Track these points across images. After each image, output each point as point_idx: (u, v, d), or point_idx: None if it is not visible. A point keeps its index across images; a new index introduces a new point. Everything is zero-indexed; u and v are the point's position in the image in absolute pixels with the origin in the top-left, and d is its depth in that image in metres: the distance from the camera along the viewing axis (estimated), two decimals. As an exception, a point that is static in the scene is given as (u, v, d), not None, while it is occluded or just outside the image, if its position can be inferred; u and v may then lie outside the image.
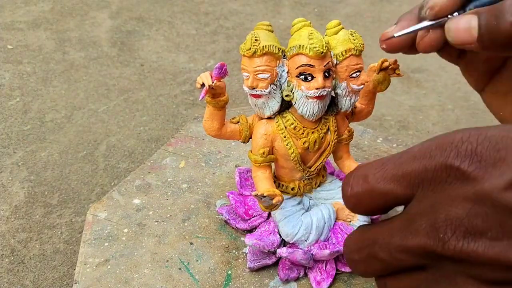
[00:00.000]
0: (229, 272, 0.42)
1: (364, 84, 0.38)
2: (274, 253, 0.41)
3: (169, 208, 0.49)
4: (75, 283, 0.41)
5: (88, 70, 1.01)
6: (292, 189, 0.43)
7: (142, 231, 0.46)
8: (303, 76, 0.36)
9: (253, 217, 0.45)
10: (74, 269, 0.57)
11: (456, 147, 0.23)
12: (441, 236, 0.22)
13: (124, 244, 0.45)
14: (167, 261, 0.43)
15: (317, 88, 0.35)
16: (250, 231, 0.45)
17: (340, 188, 0.44)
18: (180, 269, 0.42)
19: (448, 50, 0.43)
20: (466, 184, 0.22)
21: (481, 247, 0.21)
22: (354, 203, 0.26)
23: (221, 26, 1.23)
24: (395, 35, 0.35)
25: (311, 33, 0.35)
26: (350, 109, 0.40)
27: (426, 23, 0.34)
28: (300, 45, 0.35)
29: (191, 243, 0.45)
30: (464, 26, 0.32)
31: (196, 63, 1.06)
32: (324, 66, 0.35)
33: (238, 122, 0.40)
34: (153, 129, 0.84)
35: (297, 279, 0.42)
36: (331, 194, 0.43)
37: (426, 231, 0.22)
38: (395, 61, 0.40)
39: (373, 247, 0.25)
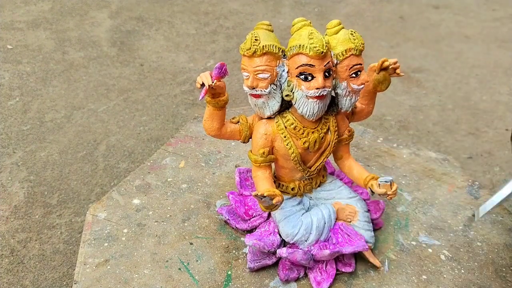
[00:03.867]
0: (229, 273, 0.42)
1: (364, 84, 0.38)
2: (274, 253, 0.41)
3: (169, 208, 0.49)
4: (75, 283, 0.41)
5: (87, 70, 1.01)
6: (292, 189, 0.43)
7: (142, 231, 0.46)
8: (303, 76, 0.36)
9: (253, 217, 0.45)
10: (74, 269, 0.56)
11: None
12: None
13: (124, 244, 0.44)
14: (167, 261, 0.43)
15: (317, 88, 0.35)
16: (250, 231, 0.45)
17: (340, 188, 0.44)
18: (180, 269, 0.42)
19: None
20: None
21: None
22: None
23: (221, 25, 1.23)
24: None
25: (311, 33, 0.35)
26: (350, 109, 0.40)
27: None
28: (300, 45, 0.35)
29: (191, 243, 0.45)
30: None
31: (196, 63, 1.06)
32: (325, 66, 0.35)
33: (238, 122, 0.41)
34: (153, 129, 0.84)
35: (297, 280, 0.42)
36: (331, 194, 0.43)
37: None
38: (396, 61, 0.41)
39: None
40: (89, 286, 0.40)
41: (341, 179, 0.47)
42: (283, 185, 0.43)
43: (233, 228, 0.46)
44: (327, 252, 0.40)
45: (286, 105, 0.39)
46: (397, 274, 0.44)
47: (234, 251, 0.44)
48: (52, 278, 0.56)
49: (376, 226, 0.47)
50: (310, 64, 0.35)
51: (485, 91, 0.99)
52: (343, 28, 0.38)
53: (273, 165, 0.42)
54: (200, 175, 0.53)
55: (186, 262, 0.43)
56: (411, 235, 0.48)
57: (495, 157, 0.83)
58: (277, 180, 0.43)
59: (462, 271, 0.45)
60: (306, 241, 0.40)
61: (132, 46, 1.11)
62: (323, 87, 0.36)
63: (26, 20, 1.18)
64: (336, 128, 0.41)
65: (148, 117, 0.87)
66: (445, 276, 0.44)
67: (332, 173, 0.48)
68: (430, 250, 0.47)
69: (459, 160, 0.67)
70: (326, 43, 0.35)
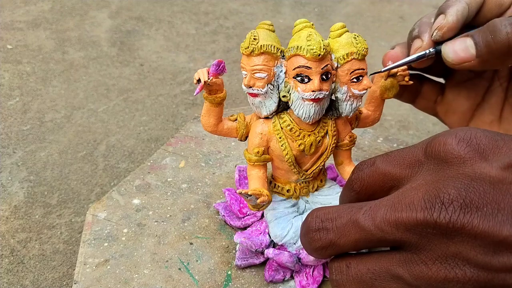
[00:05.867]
0: (229, 272, 0.42)
1: (366, 89, 0.37)
2: (263, 253, 0.41)
3: (169, 208, 0.49)
4: (75, 283, 0.41)
5: (87, 70, 1.01)
6: (288, 191, 0.42)
7: (142, 231, 0.46)
8: (299, 78, 0.35)
9: (247, 216, 0.45)
10: (74, 269, 0.56)
11: (455, 136, 0.24)
12: (438, 206, 0.22)
13: (124, 244, 0.45)
14: (167, 261, 0.43)
15: (313, 91, 0.35)
16: (244, 229, 0.45)
17: (338, 194, 0.44)
18: (180, 269, 0.42)
19: (425, 96, 0.47)
20: (463, 165, 0.24)
21: (476, 220, 0.21)
22: (360, 184, 0.29)
23: (221, 25, 1.23)
24: (388, 67, 0.40)
25: (309, 35, 0.35)
26: (351, 114, 0.39)
27: (413, 57, 0.40)
28: (298, 46, 0.35)
29: (191, 243, 0.45)
30: (460, 46, 0.37)
31: (196, 63, 1.06)
32: (322, 68, 0.35)
33: (236, 120, 0.40)
34: (153, 129, 0.84)
35: (283, 282, 0.41)
36: (328, 200, 0.43)
37: (421, 203, 0.23)
38: (405, 69, 0.39)
39: (357, 213, 0.26)
40: (89, 286, 0.40)
41: (341, 186, 0.47)
42: (278, 186, 0.43)
43: (228, 225, 0.46)
44: (312, 257, 0.39)
45: (284, 106, 0.39)
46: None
47: (234, 251, 0.44)
48: (52, 278, 0.56)
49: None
50: (307, 66, 0.35)
51: (485, 91, 0.99)
52: (347, 31, 0.37)
53: (270, 165, 0.42)
54: (200, 175, 0.53)
55: (186, 262, 0.43)
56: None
57: (494, 157, 0.83)
58: (273, 180, 0.43)
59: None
60: (294, 244, 0.40)
61: (132, 46, 1.11)
62: (319, 90, 0.35)
63: (26, 20, 1.18)
64: (335, 133, 0.40)
65: (148, 117, 0.87)
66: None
67: (334, 179, 0.48)
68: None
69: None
70: (324, 45, 0.35)
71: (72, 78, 0.97)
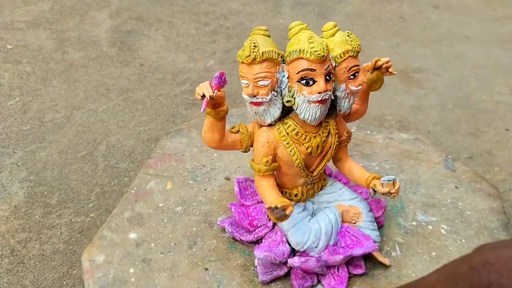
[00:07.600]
0: (256, 290, 0.40)
1: (362, 84, 0.38)
2: (285, 263, 0.41)
3: (170, 236, 0.46)
4: None
5: (87, 70, 1.01)
6: (296, 195, 0.42)
7: (149, 267, 0.43)
8: (304, 81, 0.35)
9: (258, 228, 0.44)
10: (74, 269, 0.56)
11: (498, 268, 0.26)
12: None
13: (135, 286, 0.41)
14: (187, 293, 0.40)
15: (319, 93, 0.35)
16: (257, 242, 0.44)
17: (342, 190, 0.44)
18: None
19: None
20: None
21: None
22: None
23: (221, 25, 1.23)
24: None
25: (311, 37, 0.35)
26: (348, 110, 0.40)
27: None
28: (300, 49, 0.35)
29: (206, 269, 0.43)
30: None
31: (196, 62, 1.06)
32: (325, 69, 0.35)
33: (238, 131, 0.40)
34: (153, 129, 0.84)
35: (312, 287, 0.41)
36: (333, 197, 0.43)
37: None
38: (388, 60, 0.41)
39: None
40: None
41: (339, 180, 0.47)
42: (286, 191, 0.43)
43: (237, 240, 0.45)
44: (340, 257, 0.40)
45: (285, 111, 0.39)
46: (410, 256, 0.46)
47: (252, 268, 0.43)
48: (52, 278, 0.56)
49: (378, 224, 0.47)
50: (311, 69, 0.35)
51: (485, 91, 0.99)
52: (339, 30, 0.38)
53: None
54: (192, 194, 0.51)
55: (209, 290, 0.41)
56: (410, 216, 0.50)
57: (495, 157, 0.83)
58: (279, 187, 0.43)
59: (463, 240, 0.48)
60: (316, 247, 0.40)
61: (132, 46, 1.11)
62: (325, 91, 0.36)
63: (26, 20, 1.18)
64: (337, 131, 0.40)
65: (148, 117, 0.87)
66: (450, 248, 0.47)
67: (329, 175, 0.48)
68: (430, 227, 0.50)
69: (460, 160, 0.67)
70: (326, 46, 0.35)
71: (72, 78, 0.97)
